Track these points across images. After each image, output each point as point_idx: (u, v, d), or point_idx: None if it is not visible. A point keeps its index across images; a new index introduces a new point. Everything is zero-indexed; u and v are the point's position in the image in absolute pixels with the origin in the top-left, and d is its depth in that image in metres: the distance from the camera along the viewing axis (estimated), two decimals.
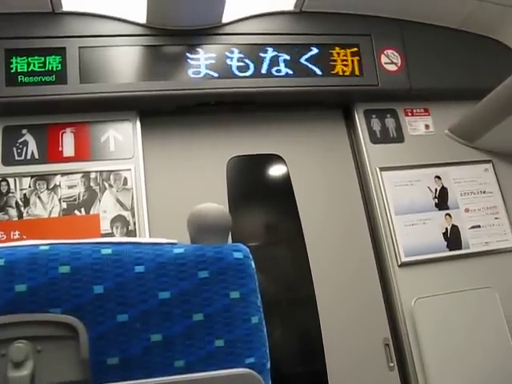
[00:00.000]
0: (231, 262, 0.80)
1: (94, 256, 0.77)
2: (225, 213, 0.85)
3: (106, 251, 0.78)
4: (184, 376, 0.75)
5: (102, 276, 0.75)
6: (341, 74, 2.78)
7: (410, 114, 2.96)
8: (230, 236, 0.88)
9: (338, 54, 2.80)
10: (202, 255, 0.80)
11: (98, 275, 0.75)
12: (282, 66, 2.72)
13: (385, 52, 2.88)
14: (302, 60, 2.75)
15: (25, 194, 2.38)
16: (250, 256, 0.83)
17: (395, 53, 2.89)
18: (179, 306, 0.77)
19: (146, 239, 0.83)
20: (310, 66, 2.75)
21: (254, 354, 0.80)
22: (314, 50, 2.78)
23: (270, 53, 2.72)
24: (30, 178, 2.41)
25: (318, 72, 2.75)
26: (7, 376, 0.70)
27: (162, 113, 2.70)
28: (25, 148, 2.45)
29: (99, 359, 0.74)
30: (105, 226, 2.39)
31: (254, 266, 0.83)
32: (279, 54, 2.73)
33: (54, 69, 2.47)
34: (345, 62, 2.80)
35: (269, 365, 0.82)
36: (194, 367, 0.76)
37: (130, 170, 2.50)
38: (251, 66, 2.68)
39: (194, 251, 0.80)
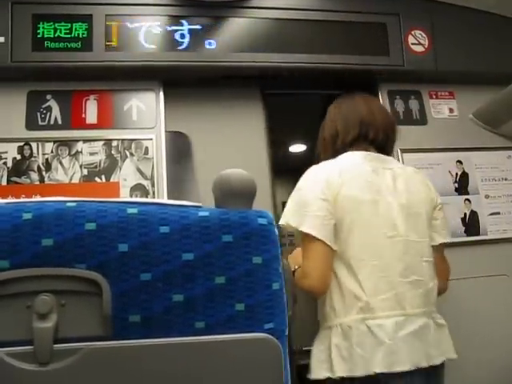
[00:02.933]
0: (255, 227, 0.81)
1: (120, 215, 0.77)
2: (250, 178, 0.85)
3: (132, 211, 0.78)
4: (204, 337, 0.76)
5: (127, 234, 0.76)
6: (366, 52, 2.74)
7: (434, 96, 2.91)
8: None
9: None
10: (227, 219, 0.80)
11: (124, 233, 0.76)
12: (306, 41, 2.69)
13: (412, 32, 2.82)
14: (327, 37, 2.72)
15: (47, 159, 2.40)
16: (274, 223, 0.83)
17: (423, 33, 2.83)
18: (202, 268, 0.78)
19: (172, 201, 0.83)
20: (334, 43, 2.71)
21: (273, 320, 0.80)
22: (340, 28, 2.74)
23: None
24: (52, 143, 2.42)
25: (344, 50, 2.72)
26: (32, 327, 0.72)
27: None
28: (48, 113, 2.46)
29: (121, 316, 0.75)
30: (124, 194, 2.40)
31: (277, 232, 0.83)
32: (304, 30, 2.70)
33: (80, 35, 2.47)
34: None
35: (287, 331, 0.83)
36: (213, 329, 0.77)
37: (151, 139, 2.50)
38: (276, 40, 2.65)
39: (218, 215, 0.81)
